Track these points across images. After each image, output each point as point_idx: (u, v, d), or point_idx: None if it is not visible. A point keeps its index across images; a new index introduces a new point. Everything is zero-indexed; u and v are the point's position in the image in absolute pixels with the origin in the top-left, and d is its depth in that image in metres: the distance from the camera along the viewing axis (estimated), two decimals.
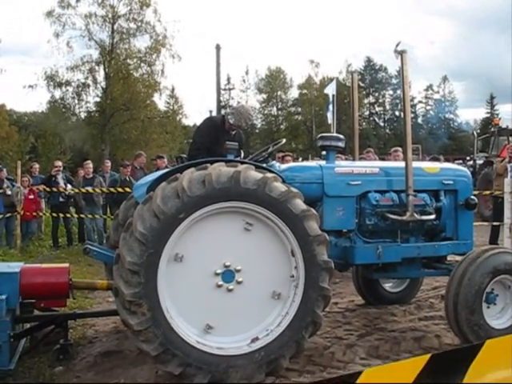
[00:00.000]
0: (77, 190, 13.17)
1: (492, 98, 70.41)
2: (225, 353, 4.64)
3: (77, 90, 37.65)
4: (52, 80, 36.74)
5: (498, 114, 60.12)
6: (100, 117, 37.62)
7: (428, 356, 1.84)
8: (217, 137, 6.11)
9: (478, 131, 24.71)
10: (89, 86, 37.78)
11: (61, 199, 13.51)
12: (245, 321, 4.76)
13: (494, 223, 11.79)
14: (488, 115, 67.06)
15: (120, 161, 25.74)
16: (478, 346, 1.98)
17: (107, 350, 5.73)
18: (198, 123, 6.83)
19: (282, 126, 67.59)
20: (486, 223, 12.34)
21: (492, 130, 20.89)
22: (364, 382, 1.70)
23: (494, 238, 11.93)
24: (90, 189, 12.87)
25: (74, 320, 6.11)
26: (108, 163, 15.09)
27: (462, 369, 1.91)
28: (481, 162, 19.73)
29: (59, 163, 14.36)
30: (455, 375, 1.90)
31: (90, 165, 13.94)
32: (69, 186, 13.60)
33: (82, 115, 40.01)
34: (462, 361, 1.93)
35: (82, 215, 13.20)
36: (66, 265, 5.85)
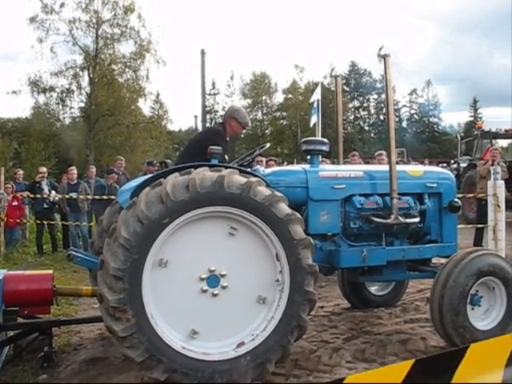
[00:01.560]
0: (61, 196, 13.08)
1: (475, 101, 71.18)
2: (210, 358, 4.61)
3: (61, 95, 37.56)
4: (36, 86, 36.61)
5: (481, 118, 60.73)
6: (84, 122, 37.48)
7: (412, 361, 1.84)
8: (224, 145, 6.03)
9: (462, 134, 24.92)
10: (73, 91, 37.70)
11: (45, 205, 13.41)
12: (230, 326, 4.74)
13: (478, 225, 11.87)
14: (471, 119, 67.68)
15: (105, 166, 25.66)
16: (461, 350, 1.98)
17: (92, 357, 5.69)
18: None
19: (267, 131, 67.80)
20: (470, 226, 12.41)
21: (475, 133, 21.02)
22: None
23: (479, 240, 11.99)
24: (74, 195, 12.78)
25: (59, 327, 6.05)
26: (93, 169, 15.01)
27: (447, 373, 1.91)
28: (465, 165, 19.87)
29: (43, 169, 14.26)
30: (441, 380, 1.89)
31: (74, 171, 13.85)
32: (53, 193, 13.50)
33: (67, 121, 39.92)
34: (447, 365, 1.93)
35: (66, 221, 13.11)
36: (50, 271, 5.81)
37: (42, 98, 37.47)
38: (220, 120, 6.38)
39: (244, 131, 6.34)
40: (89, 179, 14.27)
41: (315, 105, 17.22)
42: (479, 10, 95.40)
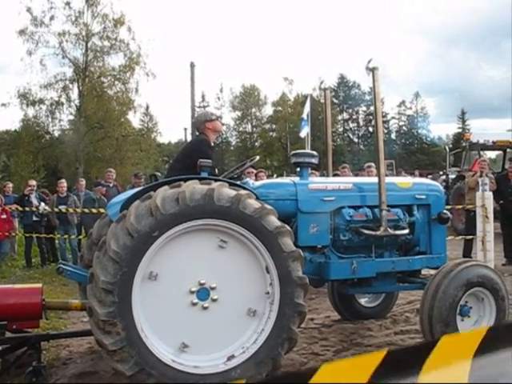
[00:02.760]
0: (50, 210, 13.01)
1: (463, 113, 71.68)
2: (201, 371, 4.59)
3: (50, 108, 37.45)
4: (25, 98, 36.51)
5: (469, 129, 61.19)
6: (74, 135, 37.36)
7: (384, 352, 1.86)
8: (212, 154, 6.01)
9: (450, 146, 25.07)
10: (62, 104, 37.63)
11: (34, 218, 13.34)
12: (220, 339, 4.73)
13: (467, 237, 11.92)
14: (460, 130, 68.13)
15: (94, 179, 25.57)
16: (432, 341, 2.01)
17: (82, 371, 5.65)
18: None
19: (256, 143, 67.92)
20: (459, 237, 12.47)
21: (463, 144, 21.16)
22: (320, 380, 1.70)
23: (468, 252, 12.05)
24: (63, 208, 12.72)
25: (48, 341, 6.00)
26: (82, 181, 14.94)
27: (418, 363, 1.94)
28: (453, 176, 19.98)
29: (33, 183, 14.20)
30: (411, 368, 1.92)
31: (63, 183, 13.78)
32: (42, 204, 13.44)
33: (56, 133, 39.77)
34: (418, 356, 1.95)
35: (54, 234, 13.05)
36: (39, 285, 5.77)
37: (31, 111, 37.40)
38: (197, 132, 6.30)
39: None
40: (78, 192, 14.23)
41: (305, 117, 17.30)
42: (466, 23, 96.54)
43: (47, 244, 13.77)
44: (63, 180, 14.20)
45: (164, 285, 4.60)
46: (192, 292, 4.65)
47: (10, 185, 15.90)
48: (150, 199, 4.56)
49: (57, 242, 13.51)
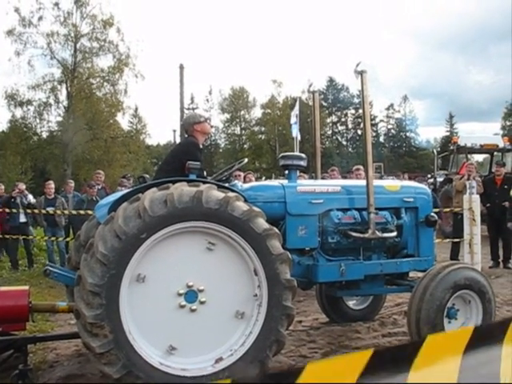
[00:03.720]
0: (35, 201, 12.95)
1: (451, 116, 72.21)
2: (189, 374, 4.58)
3: (38, 109, 37.28)
4: (13, 99, 36.33)
5: (457, 133, 61.59)
6: (62, 136, 37.18)
7: (370, 352, 1.87)
8: (200, 156, 5.99)
9: (438, 149, 25.14)
10: (51, 105, 37.46)
11: (22, 219, 13.26)
12: (208, 341, 4.73)
13: (455, 239, 11.98)
14: (447, 133, 68.54)
15: (82, 181, 25.46)
16: (419, 341, 2.02)
17: (68, 373, 5.61)
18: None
19: (245, 146, 67.96)
20: (447, 240, 12.53)
21: (451, 148, 21.27)
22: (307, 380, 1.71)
23: (455, 254, 12.11)
24: (51, 210, 12.65)
25: (34, 344, 5.96)
26: (71, 183, 14.84)
27: (406, 362, 1.94)
28: (441, 179, 20.07)
29: (23, 187, 14.07)
30: (400, 368, 1.93)
31: (51, 185, 13.68)
32: (30, 196, 13.33)
33: (44, 135, 39.56)
34: (406, 355, 1.96)
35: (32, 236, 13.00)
36: (26, 287, 5.73)
37: (19, 112, 37.24)
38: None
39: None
40: (67, 193, 14.15)
41: (295, 119, 17.34)
42: (455, 26, 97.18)
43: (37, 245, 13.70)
44: (51, 181, 14.10)
45: (152, 287, 4.59)
46: (180, 294, 4.64)
47: (2, 187, 15.69)
48: (138, 201, 4.54)
49: (44, 243, 13.43)
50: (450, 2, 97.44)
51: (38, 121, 38.13)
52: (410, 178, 19.90)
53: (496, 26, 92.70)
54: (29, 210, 13.09)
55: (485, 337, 2.12)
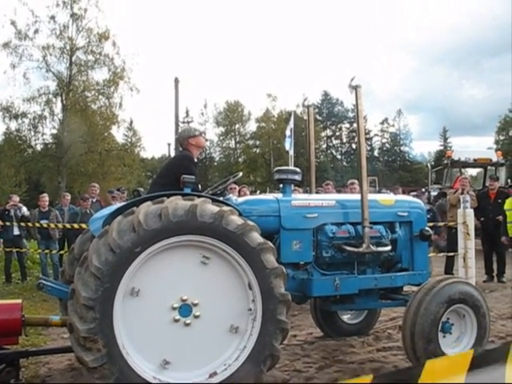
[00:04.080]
0: (32, 224, 12.88)
1: (445, 130, 72.57)
2: None
3: (33, 121, 37.20)
4: (8, 111, 36.27)
5: (451, 147, 61.80)
6: (57, 149, 37.14)
7: (371, 377, 1.86)
8: (195, 170, 6.00)
9: (432, 163, 25.24)
10: (45, 117, 37.37)
11: (16, 232, 13.21)
12: (203, 355, 4.70)
13: (449, 253, 12.00)
14: (441, 148, 68.83)
15: (77, 194, 25.38)
16: (419, 367, 2.02)
17: None
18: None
19: (240, 159, 68.05)
20: (441, 254, 12.54)
21: (445, 162, 21.38)
22: None
23: (449, 268, 12.13)
24: (45, 223, 12.60)
25: (27, 358, 5.93)
26: (68, 196, 14.81)
27: None
28: (435, 193, 20.13)
29: (17, 199, 14.05)
30: None
31: (45, 198, 13.66)
32: (24, 208, 13.27)
33: (39, 147, 39.47)
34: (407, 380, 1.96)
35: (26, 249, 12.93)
36: (19, 301, 5.70)
37: (13, 124, 37.13)
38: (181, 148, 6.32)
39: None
40: (63, 206, 14.11)
41: (289, 133, 17.37)
42: (449, 42, 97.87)
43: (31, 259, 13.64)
44: (45, 194, 14.10)
45: (146, 301, 4.57)
46: (174, 308, 4.62)
47: None
48: (132, 215, 4.54)
49: (38, 256, 13.37)
50: (443, 17, 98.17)
51: (32, 133, 38.02)
52: (403, 192, 19.95)
53: (488, 41, 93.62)
54: (22, 223, 13.03)
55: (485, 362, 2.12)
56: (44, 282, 5.75)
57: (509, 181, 18.58)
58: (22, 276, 13.41)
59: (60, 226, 12.38)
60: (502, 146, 54.27)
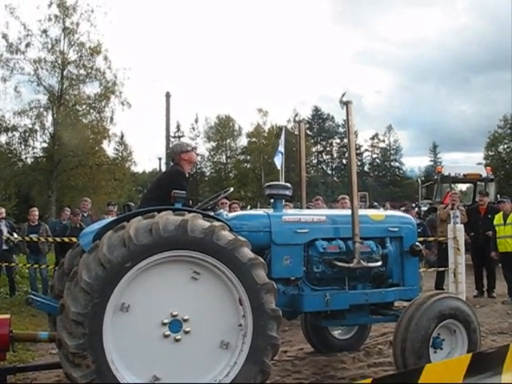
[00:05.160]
0: (21, 238, 12.78)
1: (435, 146, 73.00)
2: None
3: (24, 135, 37.05)
4: None
5: (440, 162, 62.13)
6: (47, 163, 36.98)
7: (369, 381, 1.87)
8: (186, 185, 6.00)
9: (423, 178, 25.33)
10: (36, 131, 37.22)
11: (4, 247, 13.10)
12: (193, 371, 4.67)
13: (439, 269, 12.01)
14: (431, 163, 69.19)
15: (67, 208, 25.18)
16: (419, 369, 2.02)
17: None
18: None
19: (231, 174, 68.06)
20: (431, 269, 12.55)
21: (435, 177, 21.48)
22: None
23: (440, 283, 12.13)
24: (34, 237, 12.52)
25: (14, 374, 5.85)
26: (68, 211, 14.60)
27: None
28: (425, 208, 20.20)
29: (2, 210, 13.96)
30: None
31: (35, 212, 13.58)
32: (14, 235, 13.18)
33: (29, 161, 39.30)
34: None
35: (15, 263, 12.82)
36: (7, 316, 5.64)
37: (3, 138, 36.94)
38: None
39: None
40: (61, 220, 13.97)
41: (280, 149, 17.41)
42: (436, 59, 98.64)
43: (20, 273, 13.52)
44: (35, 208, 14.03)
45: (136, 316, 4.54)
46: (164, 324, 4.60)
47: None
48: (123, 229, 4.53)
49: (27, 271, 13.26)
50: (431, 34, 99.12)
51: (23, 147, 37.82)
52: (393, 208, 20.00)
53: (475, 58, 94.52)
54: (13, 238, 12.90)
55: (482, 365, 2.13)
56: (33, 297, 5.69)
57: (498, 196, 18.63)
58: (11, 291, 13.28)
59: (50, 239, 12.30)
60: (492, 162, 54.56)
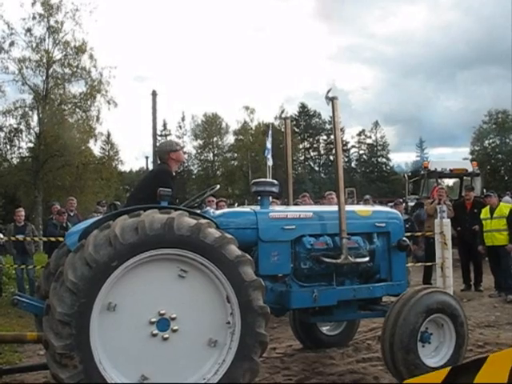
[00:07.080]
0: (7, 239, 12.69)
1: (421, 142, 73.24)
2: None
3: (9, 135, 36.78)
4: None
5: (427, 158, 62.35)
6: (33, 163, 36.73)
7: None
8: (172, 184, 5.97)
9: (409, 174, 25.36)
10: (21, 131, 36.94)
11: None
12: (181, 370, 4.66)
13: (427, 263, 12.06)
14: (418, 158, 69.44)
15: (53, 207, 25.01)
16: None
17: None
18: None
19: (218, 172, 68.01)
20: (419, 264, 12.61)
21: (422, 173, 21.55)
22: None
23: (427, 278, 12.18)
24: (21, 237, 12.43)
25: (1, 377, 5.81)
26: (56, 204, 14.46)
27: None
28: (412, 203, 20.27)
29: None
30: None
31: (21, 212, 13.47)
32: (0, 236, 13.08)
33: (15, 161, 39.02)
34: None
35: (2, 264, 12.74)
36: None
37: None
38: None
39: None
40: (52, 217, 13.85)
41: (268, 145, 17.46)
42: (423, 55, 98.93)
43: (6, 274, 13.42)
44: (21, 209, 13.90)
45: (123, 316, 4.52)
46: (152, 323, 4.57)
47: None
48: (108, 228, 4.50)
49: (14, 272, 13.16)
50: (417, 31, 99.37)
51: (8, 147, 37.56)
52: (380, 203, 20.05)
53: (461, 54, 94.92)
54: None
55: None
56: (19, 298, 5.64)
57: (484, 190, 18.73)
58: None
59: (36, 239, 12.22)
60: (477, 157, 55.02)
